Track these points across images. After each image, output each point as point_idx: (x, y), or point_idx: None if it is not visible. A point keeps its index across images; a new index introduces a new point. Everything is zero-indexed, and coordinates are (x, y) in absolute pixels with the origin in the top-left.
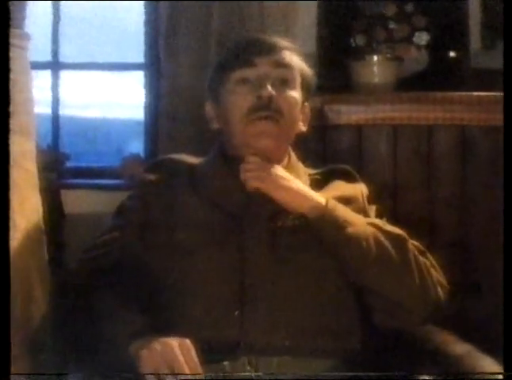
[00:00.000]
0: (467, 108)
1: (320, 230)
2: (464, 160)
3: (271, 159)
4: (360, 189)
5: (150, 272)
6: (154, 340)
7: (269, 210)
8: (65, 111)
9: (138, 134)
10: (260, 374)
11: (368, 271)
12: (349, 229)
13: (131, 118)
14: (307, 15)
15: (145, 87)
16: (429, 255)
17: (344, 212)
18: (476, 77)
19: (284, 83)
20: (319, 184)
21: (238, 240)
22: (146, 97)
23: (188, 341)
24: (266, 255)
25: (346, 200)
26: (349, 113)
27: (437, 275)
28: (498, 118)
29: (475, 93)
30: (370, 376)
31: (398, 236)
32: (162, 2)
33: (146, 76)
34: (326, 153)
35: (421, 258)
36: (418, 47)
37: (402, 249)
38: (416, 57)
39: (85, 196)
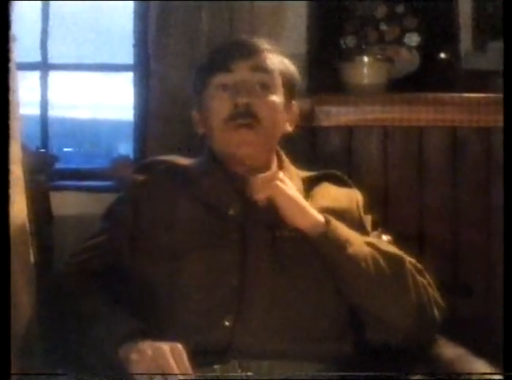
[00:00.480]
0: (458, 110)
1: (320, 248)
2: (456, 162)
3: (256, 165)
4: (355, 198)
5: (140, 276)
6: (145, 344)
7: (269, 219)
8: (54, 112)
9: (127, 135)
10: (251, 374)
11: (365, 291)
12: (349, 250)
13: (120, 119)
14: (297, 15)
15: (134, 88)
16: (425, 273)
17: (344, 232)
18: (467, 78)
19: (264, 87)
20: (312, 188)
21: (233, 245)
22: (135, 98)
23: (179, 345)
24: (263, 261)
25: (342, 211)
26: (339, 114)
27: (434, 293)
28: (490, 119)
29: (467, 95)
30: (365, 376)
31: (396, 256)
32: (151, 2)
33: (135, 77)
34: (316, 155)
35: (418, 277)
36: (409, 48)
37: (400, 270)
38: (407, 58)
39: (74, 198)
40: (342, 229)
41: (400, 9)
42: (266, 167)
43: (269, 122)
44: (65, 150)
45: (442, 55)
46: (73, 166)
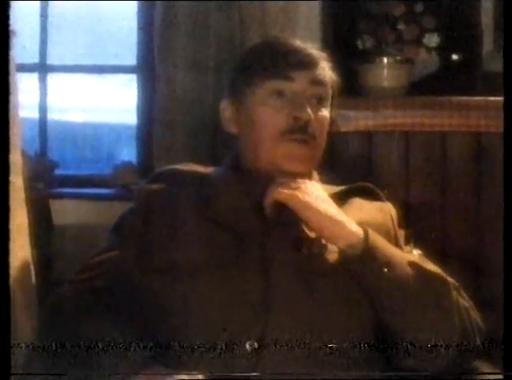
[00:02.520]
0: (484, 114)
1: (357, 269)
2: (481, 169)
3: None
4: (389, 212)
5: (151, 296)
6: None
7: (292, 235)
8: (53, 116)
9: (130, 140)
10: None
11: (405, 315)
12: (391, 274)
13: (123, 123)
14: (311, 14)
15: (138, 91)
16: (462, 292)
17: (385, 250)
18: (488, 81)
19: (319, 102)
20: (342, 205)
21: (254, 264)
22: (138, 101)
23: (200, 377)
24: (288, 281)
25: (377, 228)
26: (357, 119)
27: (476, 317)
28: None
29: (493, 98)
30: (371, 376)
31: (440, 278)
32: (157, 2)
33: (138, 79)
34: (334, 162)
35: (461, 300)
36: (428, 49)
37: (444, 293)
38: (426, 59)
39: (76, 206)
40: (382, 247)
41: (419, 7)
42: None
43: (321, 139)
44: (64, 155)
45: (462, 57)
46: (73, 173)
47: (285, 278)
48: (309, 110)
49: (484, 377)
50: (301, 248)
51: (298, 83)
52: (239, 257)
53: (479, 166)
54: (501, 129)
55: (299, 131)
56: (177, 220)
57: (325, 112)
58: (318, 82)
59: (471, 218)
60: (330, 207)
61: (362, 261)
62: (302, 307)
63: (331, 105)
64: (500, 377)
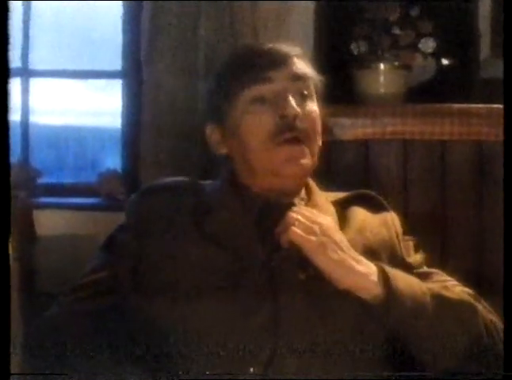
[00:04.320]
0: (485, 122)
1: (380, 314)
2: (482, 179)
3: (290, 188)
4: (393, 225)
5: (147, 318)
6: None
7: (298, 256)
8: (35, 122)
9: (115, 147)
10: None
11: (435, 348)
12: (417, 322)
13: (108, 130)
14: (304, 18)
15: (123, 96)
16: (483, 302)
17: (407, 290)
18: (486, 86)
19: (304, 97)
20: (344, 214)
21: (259, 286)
22: (124, 107)
23: None
24: (296, 304)
25: (382, 245)
26: (355, 127)
27: (501, 325)
28: None
29: (495, 106)
30: (370, 376)
31: (465, 304)
32: (144, 2)
33: (125, 84)
34: (331, 171)
35: (487, 317)
36: (424, 54)
37: (472, 319)
38: (422, 65)
39: (59, 216)
40: (405, 287)
41: (415, 11)
42: (297, 191)
43: (314, 136)
44: (48, 163)
45: (459, 62)
46: (56, 181)
47: (292, 300)
48: (294, 105)
49: (484, 377)
50: (307, 269)
51: (277, 83)
52: (242, 278)
53: (479, 175)
54: (501, 137)
55: (289, 129)
56: (173, 237)
57: (312, 106)
58: (297, 77)
59: (471, 228)
60: (347, 255)
61: (385, 308)
62: (311, 330)
63: (318, 101)
64: (500, 377)
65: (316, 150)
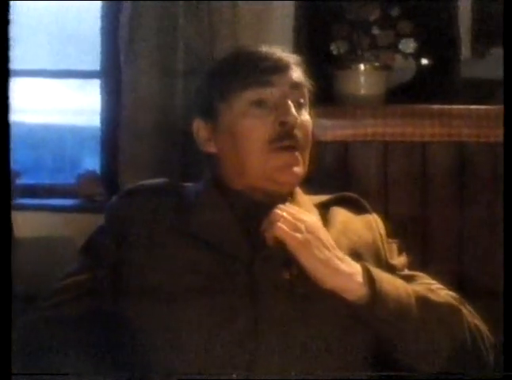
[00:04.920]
0: (466, 123)
1: (364, 315)
2: (463, 180)
3: (279, 194)
4: (377, 229)
5: (127, 322)
6: None
7: (281, 256)
8: (13, 121)
9: (94, 148)
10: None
11: (419, 350)
12: (402, 324)
13: (87, 130)
14: (284, 18)
15: (102, 97)
16: (467, 306)
17: (392, 292)
18: (467, 87)
19: (300, 106)
20: (327, 217)
21: (240, 288)
22: (103, 108)
23: None
24: (278, 306)
25: (366, 249)
26: (334, 128)
27: (485, 330)
28: (500, 134)
29: (476, 107)
30: (370, 376)
31: (450, 307)
32: (123, 2)
33: (104, 84)
34: (309, 173)
35: (471, 320)
36: (405, 55)
37: (456, 322)
38: (402, 66)
39: (37, 218)
40: (390, 290)
41: (395, 12)
42: (285, 196)
43: (306, 144)
44: (25, 163)
45: (440, 63)
46: (34, 182)
47: (275, 302)
48: (294, 112)
49: (484, 377)
50: (292, 268)
51: (278, 87)
52: (225, 281)
53: (460, 177)
54: (483, 138)
55: (287, 136)
56: (154, 240)
57: (306, 116)
58: (296, 86)
59: (452, 230)
60: (332, 254)
61: (370, 309)
62: (293, 333)
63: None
64: (500, 377)
65: (307, 158)
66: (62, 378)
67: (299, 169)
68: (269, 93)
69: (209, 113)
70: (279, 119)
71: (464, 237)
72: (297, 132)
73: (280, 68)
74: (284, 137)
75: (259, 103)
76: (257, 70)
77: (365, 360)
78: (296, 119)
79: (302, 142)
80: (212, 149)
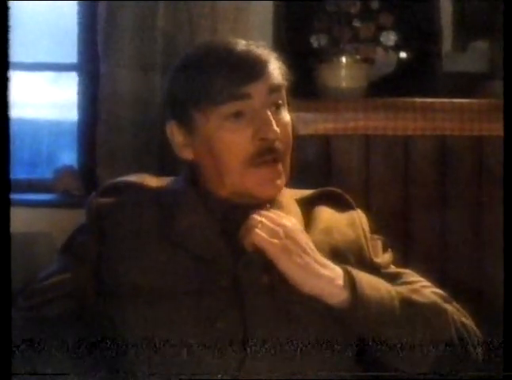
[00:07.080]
0: (449, 117)
1: (345, 318)
2: (445, 173)
3: (260, 203)
4: (360, 225)
5: (109, 323)
6: None
7: (263, 261)
8: None
9: (71, 142)
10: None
11: (403, 351)
12: (385, 327)
13: (63, 124)
14: (263, 11)
15: (79, 90)
16: (455, 303)
17: (374, 295)
18: (448, 81)
19: (278, 107)
20: (309, 213)
21: (223, 291)
22: (79, 102)
23: None
24: (262, 309)
25: (349, 247)
26: (315, 122)
27: (473, 327)
28: (483, 127)
29: (458, 100)
30: (370, 376)
31: (434, 307)
32: None
33: (81, 77)
34: (291, 166)
35: (457, 319)
36: (386, 47)
37: (441, 322)
38: (383, 59)
39: (14, 213)
40: (372, 293)
41: (376, 4)
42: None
43: (288, 151)
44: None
45: (421, 56)
46: (10, 177)
47: (260, 305)
48: (275, 127)
49: (484, 377)
50: (273, 272)
51: (256, 98)
52: (207, 282)
53: (443, 170)
54: (466, 132)
55: (268, 151)
56: (135, 239)
57: (286, 117)
58: (274, 89)
59: (434, 225)
60: (311, 259)
61: (351, 313)
62: (279, 336)
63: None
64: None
65: (289, 163)
66: (62, 378)
67: (280, 181)
68: (247, 105)
69: (184, 119)
70: (259, 135)
71: (447, 231)
72: (278, 145)
73: (257, 72)
74: (265, 152)
75: (237, 115)
76: (233, 79)
77: (353, 360)
78: (277, 133)
79: (283, 152)
80: (188, 155)
